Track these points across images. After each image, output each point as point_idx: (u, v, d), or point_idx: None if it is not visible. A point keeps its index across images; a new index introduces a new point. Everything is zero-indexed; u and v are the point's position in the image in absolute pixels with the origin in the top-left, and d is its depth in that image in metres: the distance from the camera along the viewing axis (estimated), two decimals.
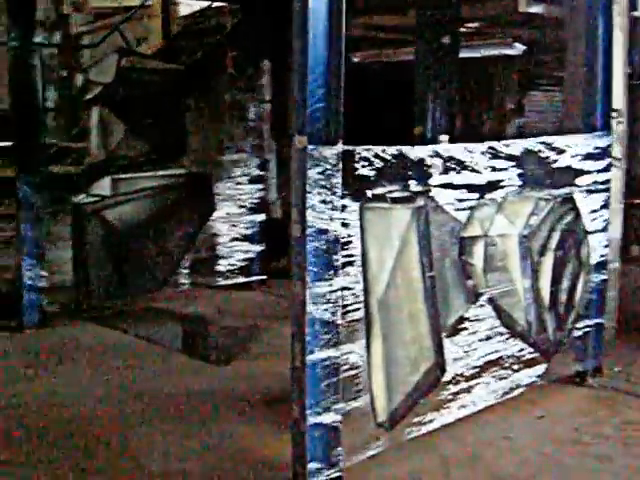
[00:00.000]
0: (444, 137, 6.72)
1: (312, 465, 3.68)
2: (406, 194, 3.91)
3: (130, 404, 4.89)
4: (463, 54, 7.05)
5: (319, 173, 3.51)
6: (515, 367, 4.57)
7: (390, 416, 3.95)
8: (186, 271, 7.67)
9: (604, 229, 5.04)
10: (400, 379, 3.99)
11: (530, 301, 4.58)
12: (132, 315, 7.03)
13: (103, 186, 6.78)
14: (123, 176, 6.91)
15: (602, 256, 5.06)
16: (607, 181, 4.99)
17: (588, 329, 5.07)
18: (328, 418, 3.69)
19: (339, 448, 3.74)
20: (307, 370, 3.61)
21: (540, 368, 4.76)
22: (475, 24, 7.35)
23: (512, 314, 4.51)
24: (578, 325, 4.99)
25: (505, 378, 4.52)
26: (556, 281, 4.72)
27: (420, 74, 6.75)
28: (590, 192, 4.91)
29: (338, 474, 3.76)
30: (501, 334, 4.46)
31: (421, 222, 3.98)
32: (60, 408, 4.81)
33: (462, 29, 7.23)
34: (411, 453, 4.10)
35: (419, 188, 3.96)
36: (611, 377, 5.21)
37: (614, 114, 5.82)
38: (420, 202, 3.97)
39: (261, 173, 8.00)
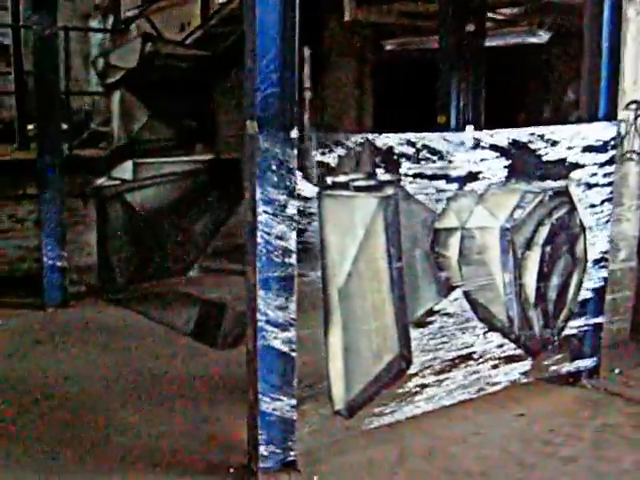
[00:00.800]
0: (469, 127, 6.58)
1: (264, 449, 3.72)
2: (373, 182, 3.86)
3: (122, 384, 5.03)
4: (490, 42, 6.87)
5: (272, 159, 3.52)
6: (494, 363, 4.46)
7: (348, 405, 3.93)
8: (216, 257, 7.77)
9: (605, 225, 4.85)
10: (361, 369, 3.97)
11: (511, 296, 4.45)
12: (153, 298, 7.17)
13: (125, 170, 6.93)
14: (146, 160, 7.04)
15: (602, 253, 4.87)
16: (610, 174, 4.80)
17: (584, 328, 4.89)
18: (281, 403, 3.71)
19: (293, 433, 3.76)
20: (259, 355, 3.64)
21: (524, 365, 4.63)
22: (505, 10, 7.14)
23: (490, 309, 4.40)
24: (573, 324, 4.83)
25: (481, 373, 4.42)
26: (544, 277, 4.57)
27: (444, 62, 6.62)
28: (590, 186, 4.74)
29: (292, 459, 3.78)
30: (477, 328, 4.36)
31: (389, 212, 3.93)
32: (54, 384, 5.00)
33: (496, 16, 7.04)
34: (373, 443, 4.09)
35: (387, 177, 3.91)
36: (609, 379, 5.03)
37: (633, 105, 5.62)
38: (388, 191, 3.92)
39: None
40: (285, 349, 3.68)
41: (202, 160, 7.39)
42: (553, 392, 4.83)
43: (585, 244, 4.77)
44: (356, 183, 3.80)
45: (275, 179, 3.54)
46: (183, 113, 7.22)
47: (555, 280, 4.66)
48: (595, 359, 5.00)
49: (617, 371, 5.18)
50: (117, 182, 6.94)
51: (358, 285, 3.89)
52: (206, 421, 4.44)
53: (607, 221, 4.86)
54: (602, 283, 4.94)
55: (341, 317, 3.84)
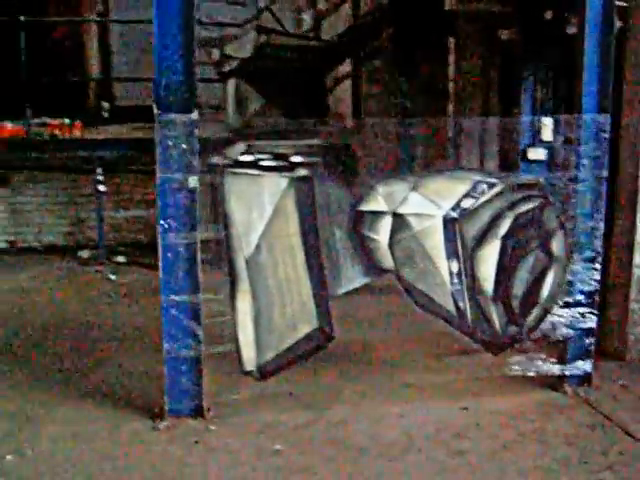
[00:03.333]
0: (547, 120, 6.29)
1: (171, 394, 4.17)
2: (282, 163, 4.12)
3: (143, 334, 5.64)
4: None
5: (174, 137, 3.98)
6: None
7: (260, 368, 4.24)
8: None
9: (594, 222, 4.52)
10: (273, 336, 4.25)
11: (460, 287, 4.37)
12: None
13: (237, 151, 7.61)
14: (258, 143, 7.66)
15: (591, 251, 4.55)
16: (599, 166, 4.47)
17: (569, 332, 4.61)
18: (187, 357, 4.12)
19: (200, 385, 4.16)
20: (165, 310, 4.09)
21: (483, 359, 4.52)
22: None
23: (432, 296, 4.38)
24: (554, 326, 4.59)
25: None
26: (506, 271, 4.42)
27: (520, 53, 6.37)
28: (571, 180, 4.47)
29: (198, 407, 4.18)
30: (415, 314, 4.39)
31: (302, 192, 4.15)
32: (97, 327, 5.92)
33: None
34: (295, 407, 4.37)
35: (300, 159, 4.14)
36: (602, 390, 4.68)
37: None
38: (301, 172, 4.15)
39: None
40: (190, 307, 4.08)
41: (312, 145, 7.82)
42: (522, 393, 4.62)
43: (565, 242, 4.50)
44: (264, 163, 4.09)
45: (178, 155, 3.99)
46: (295, 99, 7.73)
47: (522, 276, 4.46)
48: (585, 365, 4.68)
49: (620, 383, 4.79)
50: (230, 161, 7.64)
51: (268, 258, 4.18)
52: None
53: (598, 218, 4.53)
54: (595, 285, 4.60)
55: (250, 285, 4.15)
